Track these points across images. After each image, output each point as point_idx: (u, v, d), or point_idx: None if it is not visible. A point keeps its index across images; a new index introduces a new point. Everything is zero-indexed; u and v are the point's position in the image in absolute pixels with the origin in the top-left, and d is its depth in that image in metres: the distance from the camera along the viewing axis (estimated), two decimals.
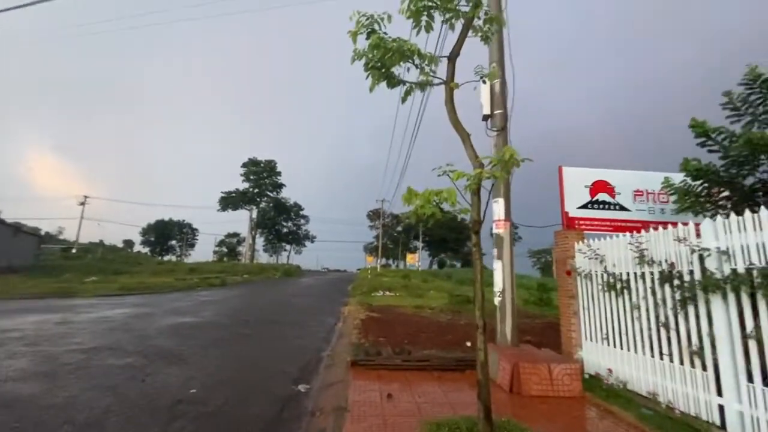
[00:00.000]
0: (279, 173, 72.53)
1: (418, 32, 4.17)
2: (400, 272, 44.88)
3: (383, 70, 4.23)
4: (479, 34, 4.37)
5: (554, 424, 4.12)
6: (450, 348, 7.53)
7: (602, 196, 7.33)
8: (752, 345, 3.49)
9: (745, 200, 5.55)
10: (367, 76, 4.29)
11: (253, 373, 6.23)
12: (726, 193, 5.72)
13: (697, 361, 4.03)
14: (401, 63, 4.14)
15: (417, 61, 4.18)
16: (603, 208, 7.37)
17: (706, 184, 5.81)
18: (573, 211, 7.33)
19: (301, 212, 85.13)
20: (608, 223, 7.22)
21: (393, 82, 4.41)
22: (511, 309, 6.54)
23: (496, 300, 6.76)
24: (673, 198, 6.49)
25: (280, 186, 73.58)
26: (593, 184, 7.37)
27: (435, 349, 7.37)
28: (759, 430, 3.39)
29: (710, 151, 5.70)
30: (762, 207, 3.52)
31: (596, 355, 5.67)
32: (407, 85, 4.49)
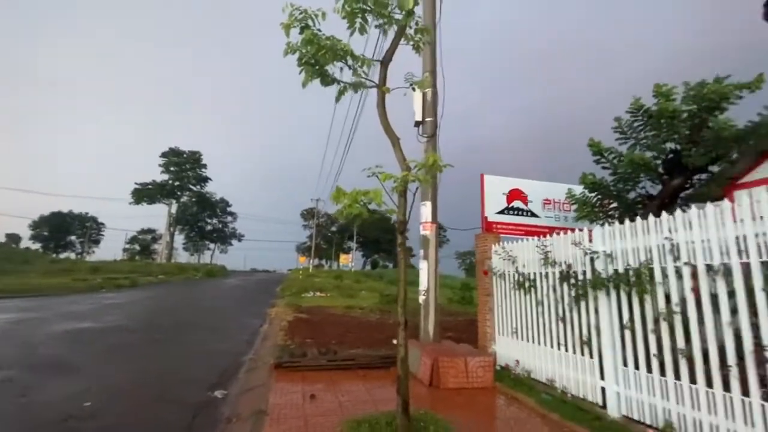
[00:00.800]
0: (204, 166, 67.51)
1: (351, 33, 4.21)
2: (332, 273, 44.50)
3: (317, 67, 4.20)
4: (411, 42, 4.55)
5: (467, 413, 4.42)
6: (378, 346, 7.67)
7: (517, 203, 8.05)
8: (627, 334, 4.10)
9: (628, 211, 6.51)
10: (301, 71, 4.23)
11: (163, 380, 5.73)
12: (614, 205, 6.65)
13: (587, 350, 4.61)
14: (334, 62, 4.16)
15: (350, 62, 4.22)
16: (517, 214, 8.10)
17: (599, 196, 6.70)
18: (492, 216, 7.94)
19: (228, 209, 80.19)
20: (521, 228, 7.96)
21: (327, 80, 4.40)
22: (434, 307, 6.87)
23: (421, 299, 7.05)
24: (574, 207, 7.37)
25: (205, 179, 68.52)
26: (510, 192, 8.07)
27: (363, 348, 7.45)
28: (630, 406, 3.99)
29: (603, 168, 6.59)
30: (637, 217, 4.15)
31: (507, 348, 6.21)
32: (341, 84, 4.50)
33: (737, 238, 3.17)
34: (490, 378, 5.46)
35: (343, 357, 6.52)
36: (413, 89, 4.51)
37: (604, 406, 4.27)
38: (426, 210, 7.28)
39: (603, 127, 7.37)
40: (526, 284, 5.83)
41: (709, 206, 3.42)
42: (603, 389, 4.33)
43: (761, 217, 3.02)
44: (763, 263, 3.01)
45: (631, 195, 6.59)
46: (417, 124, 7.87)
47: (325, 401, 4.65)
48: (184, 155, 65.22)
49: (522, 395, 4.87)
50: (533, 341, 5.60)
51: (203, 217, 74.74)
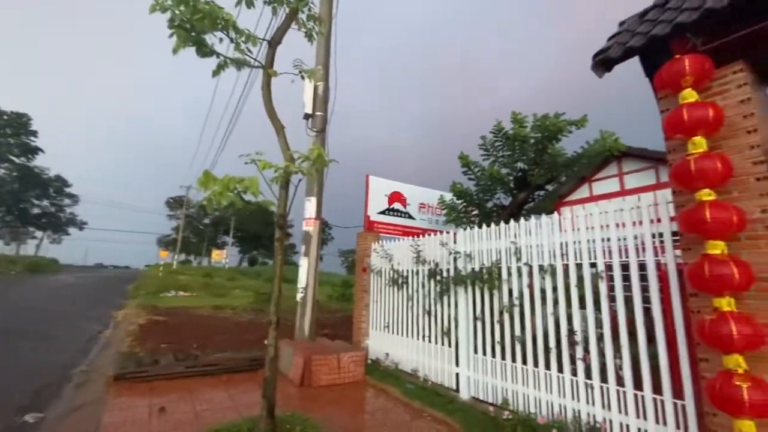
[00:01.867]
0: (34, 133, 53.56)
1: (238, 3, 3.85)
2: (201, 270, 40.14)
3: (192, 34, 3.70)
4: (303, 29, 4.38)
5: (338, 409, 4.44)
6: (249, 348, 7.17)
7: (397, 205, 8.53)
8: (479, 325, 4.69)
9: (486, 218, 7.50)
10: (172, 34, 3.66)
11: None
12: (476, 212, 7.58)
13: (446, 340, 5.13)
14: (214, 32, 3.72)
15: (233, 35, 3.84)
16: (397, 215, 8.57)
17: (465, 203, 7.56)
18: (374, 216, 8.23)
19: (65, 189, 65.11)
20: (399, 228, 8.45)
21: (204, 50, 3.91)
22: (311, 305, 6.75)
23: (299, 296, 6.86)
24: (444, 212, 8.16)
25: (34, 151, 54.40)
26: (391, 194, 8.49)
27: (231, 350, 6.88)
28: (477, 388, 4.57)
29: (469, 179, 7.46)
30: (492, 223, 4.79)
31: (379, 342, 6.49)
32: (220, 58, 4.07)
33: (561, 244, 3.92)
34: (361, 372, 5.62)
35: (206, 362, 5.90)
36: (302, 77, 4.34)
37: (458, 390, 4.79)
38: (310, 205, 7.13)
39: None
40: (400, 281, 6.19)
41: (544, 218, 4.15)
42: (457, 375, 4.86)
43: (577, 229, 3.79)
44: (577, 265, 3.77)
45: (490, 204, 7.62)
46: (306, 116, 7.65)
47: (177, 413, 4.11)
48: (5, 116, 50.65)
49: (388, 386, 5.14)
50: (402, 334, 5.97)
51: (28, 196, 59.12)
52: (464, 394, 4.66)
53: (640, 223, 3.28)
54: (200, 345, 7.35)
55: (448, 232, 5.43)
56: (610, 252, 3.47)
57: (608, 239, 3.48)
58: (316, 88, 7.64)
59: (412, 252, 5.91)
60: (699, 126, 2.57)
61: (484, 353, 4.57)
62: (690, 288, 2.60)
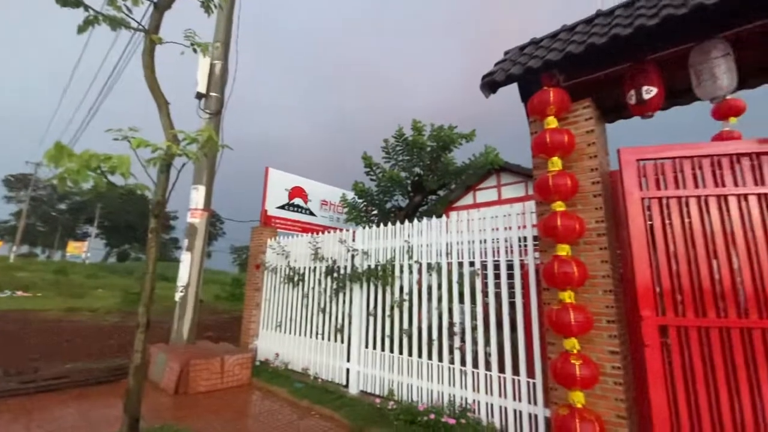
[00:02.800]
0: None
1: None
2: (52, 265, 33.11)
3: None
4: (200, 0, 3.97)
5: (219, 415, 4.10)
6: (111, 356, 6.17)
7: (298, 201, 8.30)
8: (371, 320, 4.83)
9: (385, 218, 7.79)
10: None
11: None
12: (375, 212, 7.82)
13: (339, 337, 5.16)
14: None
15: None
16: (297, 211, 8.34)
17: (366, 203, 7.74)
18: (272, 210, 7.85)
19: None
20: (299, 224, 8.23)
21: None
22: (193, 305, 6.12)
23: (178, 295, 6.17)
24: (346, 210, 8.23)
25: None
26: (293, 188, 8.23)
27: (87, 360, 5.82)
28: (366, 381, 4.70)
29: (371, 179, 7.66)
30: (389, 223, 4.99)
31: (269, 342, 6.21)
32: (89, 12, 3.45)
33: (446, 244, 4.28)
34: (247, 375, 5.30)
35: (50, 376, 4.88)
36: (194, 50, 3.91)
37: (348, 386, 4.86)
38: (197, 195, 6.46)
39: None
40: (296, 278, 6.03)
41: (433, 219, 4.48)
42: (348, 370, 4.93)
43: (460, 231, 4.19)
44: (459, 263, 4.16)
45: (389, 205, 7.94)
46: (199, 96, 6.93)
47: None
48: None
49: (276, 387, 4.95)
50: (295, 333, 5.82)
51: None
52: (354, 389, 4.75)
53: (510, 228, 3.78)
54: (45, 356, 6.07)
55: (348, 230, 5.48)
56: (485, 252, 3.91)
57: (484, 241, 3.93)
58: (213, 66, 6.98)
59: (311, 249, 5.81)
60: (557, 149, 3.07)
61: (374, 347, 4.72)
62: (543, 283, 3.09)
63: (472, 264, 4.05)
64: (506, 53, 4.09)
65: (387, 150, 7.60)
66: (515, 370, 3.51)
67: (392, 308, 4.61)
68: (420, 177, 7.32)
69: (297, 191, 8.28)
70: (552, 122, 3.16)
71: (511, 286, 3.74)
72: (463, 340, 3.93)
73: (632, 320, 2.90)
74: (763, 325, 2.43)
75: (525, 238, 3.68)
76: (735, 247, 2.60)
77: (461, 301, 4.04)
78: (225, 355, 5.14)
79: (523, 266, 3.71)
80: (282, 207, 8.02)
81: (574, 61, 3.22)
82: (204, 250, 6.49)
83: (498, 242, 3.86)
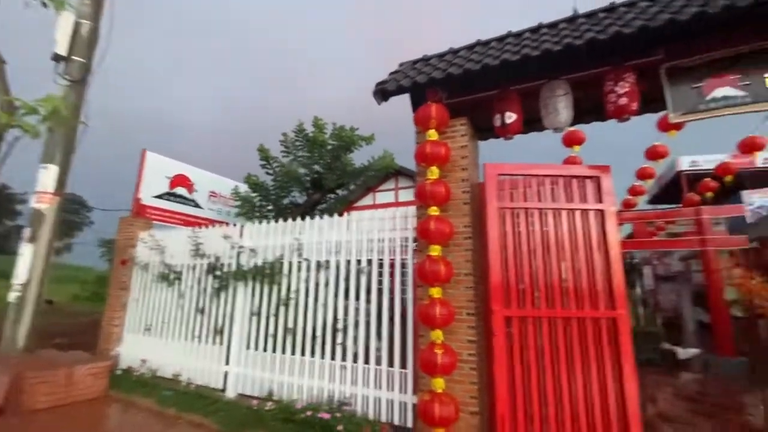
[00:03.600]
0: None
1: None
2: None
3: None
4: None
5: None
6: None
7: (181, 190, 7.50)
8: (255, 320, 4.64)
9: (280, 214, 7.55)
10: None
11: None
12: (270, 207, 7.53)
13: (218, 339, 4.84)
14: None
15: None
16: (180, 202, 7.54)
17: (260, 198, 7.40)
18: (148, 199, 6.97)
19: None
20: (181, 217, 7.45)
21: None
22: (33, 307, 5.09)
23: (13, 296, 5.06)
24: (238, 203, 7.73)
25: None
26: (175, 176, 7.41)
27: None
28: (245, 384, 4.50)
29: (267, 173, 7.36)
30: (281, 220, 4.86)
31: (136, 347, 5.51)
32: None
33: (336, 242, 4.35)
34: (103, 385, 4.61)
35: None
36: (44, 5, 3.27)
37: (225, 390, 4.58)
38: (47, 176, 5.38)
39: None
40: (172, 276, 5.47)
41: (326, 218, 4.51)
42: (226, 373, 4.65)
43: (350, 230, 4.30)
44: (347, 261, 4.26)
45: (285, 201, 7.71)
46: (57, 58, 5.79)
47: None
48: None
49: (139, 397, 4.42)
50: (167, 336, 5.28)
51: None
52: (231, 393, 4.50)
53: (395, 229, 4.02)
54: None
55: (235, 225, 5.17)
56: (372, 251, 4.09)
57: (371, 240, 4.11)
58: (78, 25, 5.90)
59: (191, 244, 5.33)
60: (436, 159, 3.37)
61: (257, 348, 4.55)
62: (417, 281, 3.36)
63: (359, 262, 4.19)
64: (401, 65, 4.34)
65: (286, 144, 7.38)
66: (391, 363, 3.74)
67: (278, 307, 4.50)
68: (319, 175, 7.29)
69: (180, 179, 7.49)
70: (433, 135, 3.46)
71: (393, 284, 3.97)
72: (345, 336, 4.03)
73: (487, 313, 3.34)
74: (579, 314, 3.04)
75: (407, 239, 3.95)
76: (563, 251, 3.19)
77: (347, 298, 4.15)
78: (75, 365, 4.40)
79: (404, 265, 3.97)
80: (161, 196, 7.17)
81: (454, 82, 3.58)
82: (52, 241, 5.44)
83: (383, 242, 4.07)
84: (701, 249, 7.46)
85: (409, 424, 3.50)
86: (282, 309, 4.46)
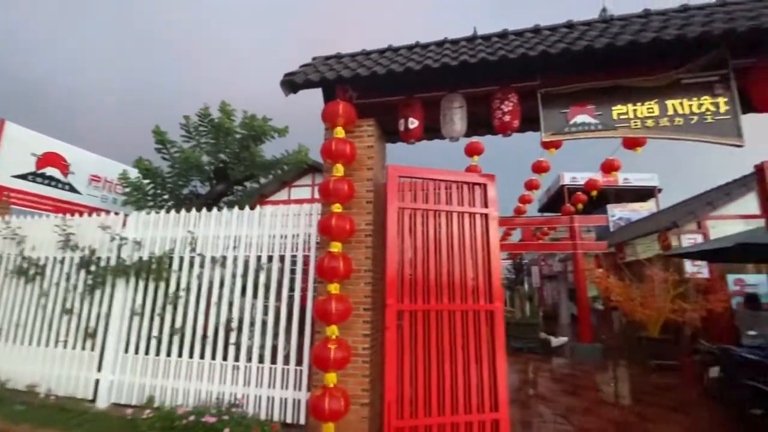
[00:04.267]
0: None
1: None
2: None
3: None
4: None
5: None
6: None
7: (53, 171, 6.41)
8: (135, 321, 4.17)
9: (179, 205, 6.89)
10: None
11: None
12: (167, 196, 6.83)
13: (90, 342, 4.24)
14: None
15: None
16: (50, 185, 6.45)
17: (154, 185, 6.67)
18: (6, 179, 5.82)
19: None
20: (51, 203, 6.38)
21: None
22: None
23: None
24: (127, 190, 6.86)
25: None
26: (45, 154, 6.31)
27: None
28: (122, 392, 4.02)
29: (163, 158, 6.66)
30: (173, 211, 4.45)
31: None
32: None
33: (235, 237, 4.12)
34: None
35: None
36: None
37: (95, 399, 4.04)
38: None
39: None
40: (32, 271, 4.65)
41: (224, 211, 4.25)
42: (98, 381, 4.10)
43: (251, 225, 4.12)
44: (246, 257, 4.06)
45: (185, 191, 7.06)
46: None
47: None
48: None
49: None
50: (22, 342, 4.47)
51: None
52: (103, 402, 3.99)
53: (299, 226, 3.96)
54: None
55: (116, 213, 4.59)
56: (273, 247, 3.98)
57: (273, 236, 3.99)
58: None
59: (59, 234, 4.58)
60: (341, 156, 3.40)
61: (137, 351, 4.10)
62: (317, 276, 3.36)
63: (259, 258, 4.03)
64: (313, 59, 4.29)
65: (188, 128, 6.75)
66: (286, 360, 3.67)
67: (165, 306, 4.11)
68: (225, 164, 6.82)
69: (51, 158, 6.40)
70: (340, 132, 3.48)
71: (294, 281, 3.91)
72: (240, 336, 3.85)
73: (384, 308, 3.48)
74: (463, 307, 3.33)
75: (310, 236, 3.92)
76: (453, 250, 3.47)
77: (244, 295, 3.97)
78: None
79: (306, 262, 3.94)
80: (24, 177, 6.05)
81: (362, 82, 3.66)
82: None
83: (285, 238, 3.98)
84: (573, 252, 8.74)
85: (303, 421, 3.48)
86: (169, 308, 4.08)
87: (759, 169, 3.17)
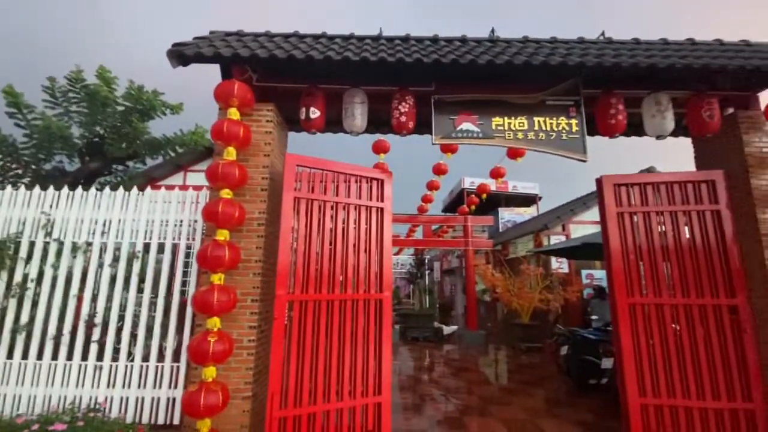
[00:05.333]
0: None
1: None
2: None
3: None
4: None
5: None
6: None
7: None
8: None
9: (40, 181, 5.79)
10: None
11: None
12: (20, 171, 5.69)
13: None
14: None
15: None
16: None
17: (3, 157, 5.50)
18: None
19: None
20: None
21: None
22: None
23: None
24: None
25: None
26: None
27: None
28: None
29: (17, 125, 5.53)
30: (23, 188, 3.73)
31: None
32: None
33: (106, 222, 3.63)
34: None
35: None
36: None
37: None
38: None
39: None
40: None
41: (92, 192, 3.71)
42: None
43: (125, 209, 3.67)
44: (117, 244, 3.61)
45: (48, 166, 5.96)
46: None
47: None
48: None
49: None
50: None
51: None
52: None
53: (184, 212, 3.66)
54: None
55: None
56: (151, 234, 3.60)
57: (150, 222, 3.62)
58: None
59: None
60: (233, 139, 3.22)
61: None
62: (199, 266, 3.15)
63: (134, 246, 3.61)
64: (211, 32, 3.99)
65: (53, 93, 5.69)
66: (161, 357, 3.37)
67: (5, 299, 3.44)
68: (102, 139, 5.92)
69: None
70: (234, 114, 3.30)
71: (184, 273, 3.60)
72: (105, 333, 3.42)
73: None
74: (354, 297, 3.43)
75: (196, 222, 3.65)
76: (347, 241, 3.55)
77: (114, 286, 3.52)
78: None
79: (190, 252, 3.65)
80: None
81: (263, 65, 3.52)
82: None
83: (166, 225, 3.64)
84: (464, 248, 9.61)
85: (177, 420, 3.23)
86: (12, 302, 3.43)
87: (598, 181, 3.86)
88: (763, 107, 3.53)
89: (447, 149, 6.15)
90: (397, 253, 20.98)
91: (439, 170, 7.35)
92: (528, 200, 17.83)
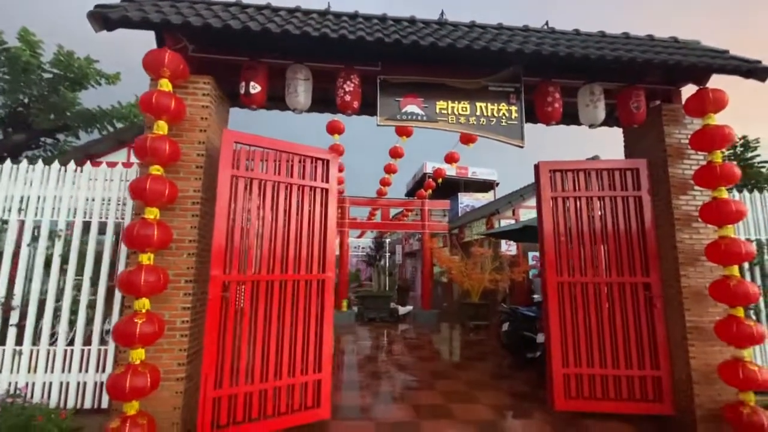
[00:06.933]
0: None
1: None
2: None
3: None
4: None
5: None
6: None
7: None
8: None
9: None
10: None
11: None
12: None
13: None
14: None
15: None
16: None
17: None
18: None
19: None
20: None
21: None
22: None
23: None
24: None
25: None
26: None
27: None
28: None
29: None
30: None
31: None
32: None
33: (23, 198, 3.36)
34: None
35: None
36: None
37: None
38: None
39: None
40: None
41: (7, 164, 3.40)
42: None
43: (44, 185, 3.40)
44: (36, 222, 3.36)
45: None
46: None
47: None
48: None
49: None
50: None
51: None
52: None
53: (112, 190, 3.45)
54: None
55: None
56: (75, 211, 3.38)
57: (74, 198, 3.39)
58: None
59: None
60: (163, 112, 3.04)
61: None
62: (126, 246, 3.00)
63: (56, 225, 3.38)
64: None
65: None
66: (87, 341, 3.23)
67: None
68: (27, 108, 5.40)
69: None
70: (165, 85, 3.11)
71: (102, 249, 3.41)
72: (24, 316, 3.21)
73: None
74: (296, 277, 3.42)
75: (126, 199, 3.46)
76: (289, 221, 3.51)
77: (32, 267, 3.29)
78: None
79: (119, 229, 3.47)
80: None
81: (198, 34, 3.32)
82: None
83: (92, 201, 3.43)
84: (421, 231, 9.79)
85: (105, 404, 3.13)
86: None
87: (536, 167, 4.04)
88: (684, 101, 3.80)
89: (402, 132, 6.17)
90: (359, 236, 21.06)
91: (396, 153, 7.37)
92: (486, 185, 18.36)
